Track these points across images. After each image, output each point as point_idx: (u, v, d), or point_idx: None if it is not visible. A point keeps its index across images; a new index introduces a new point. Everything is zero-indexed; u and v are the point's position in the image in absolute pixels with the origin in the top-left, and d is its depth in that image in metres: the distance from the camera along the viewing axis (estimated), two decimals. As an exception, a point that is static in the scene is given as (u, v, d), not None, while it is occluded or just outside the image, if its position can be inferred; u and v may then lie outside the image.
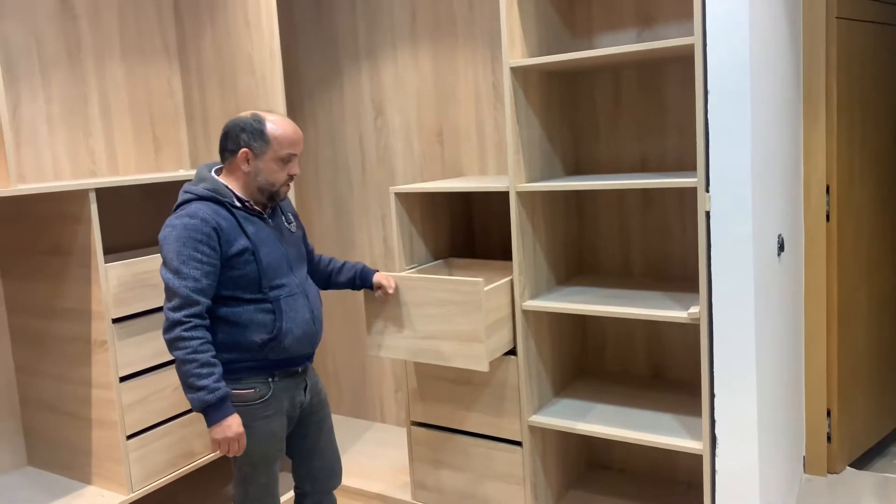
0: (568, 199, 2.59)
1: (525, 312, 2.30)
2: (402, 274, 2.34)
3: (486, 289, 2.14)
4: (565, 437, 2.57)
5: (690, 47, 1.93)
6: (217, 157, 2.77)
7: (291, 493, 2.22)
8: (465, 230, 2.89)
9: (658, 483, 2.62)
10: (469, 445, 2.45)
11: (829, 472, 2.81)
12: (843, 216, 2.72)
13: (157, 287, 2.23)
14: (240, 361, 1.83)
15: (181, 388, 1.76)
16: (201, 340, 1.72)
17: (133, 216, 2.75)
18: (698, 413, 2.24)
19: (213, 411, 1.74)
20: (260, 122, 1.84)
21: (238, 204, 1.86)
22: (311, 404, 2.03)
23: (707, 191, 1.93)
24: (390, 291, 2.22)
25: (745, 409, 1.94)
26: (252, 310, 1.84)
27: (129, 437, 2.17)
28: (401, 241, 2.51)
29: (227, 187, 1.86)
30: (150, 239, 2.81)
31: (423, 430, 2.55)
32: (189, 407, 2.34)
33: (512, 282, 2.28)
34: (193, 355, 1.70)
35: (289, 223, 2.00)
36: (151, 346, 2.23)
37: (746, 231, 1.88)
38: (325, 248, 3.40)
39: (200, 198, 1.82)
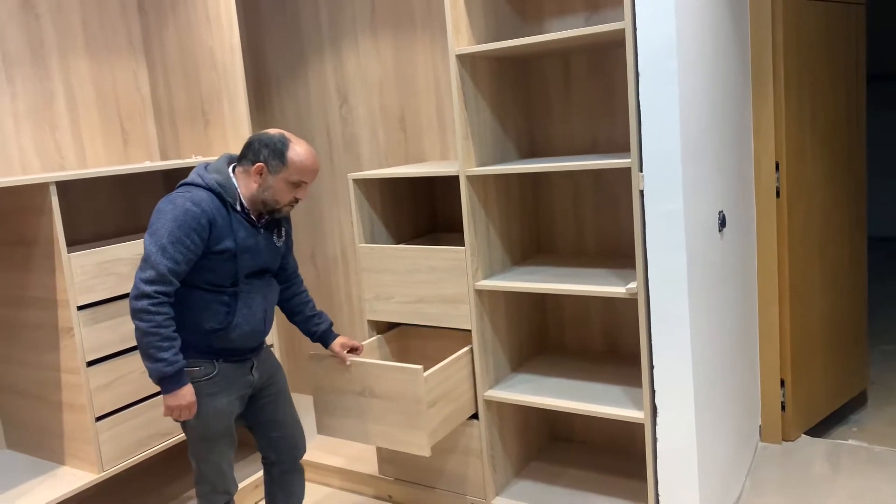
0: (523, 181, 2.67)
1: (479, 292, 2.39)
2: (389, 246, 2.48)
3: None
4: (524, 410, 2.66)
5: (622, 31, 2.00)
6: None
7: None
8: (429, 215, 2.97)
9: (618, 454, 2.72)
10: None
11: (784, 440, 2.90)
12: (794, 192, 2.80)
13: (121, 276, 2.32)
14: (187, 342, 1.92)
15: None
16: (165, 316, 1.81)
17: (104, 208, 2.83)
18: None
19: (169, 382, 1.85)
20: (284, 144, 1.93)
21: (238, 208, 1.94)
22: (262, 381, 2.12)
23: (640, 171, 2.01)
24: (346, 363, 2.28)
25: (682, 380, 2.03)
26: (210, 299, 1.93)
27: (98, 419, 2.27)
28: (360, 227, 2.60)
29: (236, 188, 1.94)
30: (121, 229, 2.90)
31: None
32: (158, 389, 2.45)
33: (466, 262, 2.36)
34: (157, 329, 1.80)
35: (278, 237, 2.06)
36: (118, 331, 2.32)
37: (677, 208, 1.96)
38: (297, 236, 3.48)
39: (209, 188, 1.90)
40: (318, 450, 2.93)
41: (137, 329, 1.82)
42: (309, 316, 2.24)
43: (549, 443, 2.85)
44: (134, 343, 2.36)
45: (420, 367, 2.16)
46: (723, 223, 2.33)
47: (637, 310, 2.56)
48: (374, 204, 2.66)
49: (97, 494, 2.78)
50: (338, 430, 2.34)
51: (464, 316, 2.40)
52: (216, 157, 2.13)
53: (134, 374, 2.38)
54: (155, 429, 2.44)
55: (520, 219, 2.65)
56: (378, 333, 2.62)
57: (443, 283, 2.42)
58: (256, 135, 1.96)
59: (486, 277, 2.43)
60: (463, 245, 2.35)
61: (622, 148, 2.55)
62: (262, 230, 1.99)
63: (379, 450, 2.72)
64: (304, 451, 2.28)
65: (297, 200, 1.98)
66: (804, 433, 2.96)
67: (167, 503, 2.71)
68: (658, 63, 1.92)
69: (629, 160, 2.03)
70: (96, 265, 2.26)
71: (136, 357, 2.37)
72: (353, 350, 2.30)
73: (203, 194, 1.88)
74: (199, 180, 1.91)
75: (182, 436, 2.53)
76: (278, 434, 2.18)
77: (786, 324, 2.83)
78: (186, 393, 1.88)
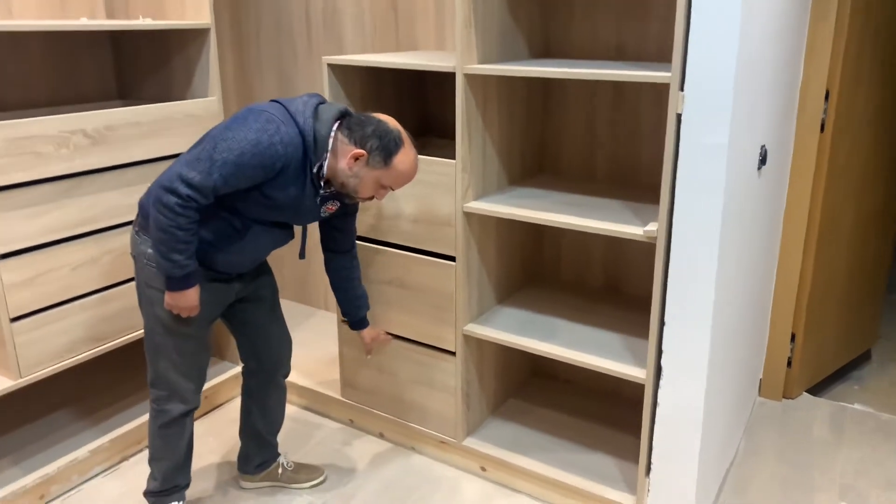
0: (531, 86, 2.26)
1: (467, 215, 2.04)
2: None
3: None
4: (506, 346, 2.38)
5: None
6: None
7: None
8: (419, 116, 2.56)
9: (603, 398, 2.48)
10: (402, 349, 2.26)
11: (784, 397, 2.68)
12: (840, 126, 2.42)
13: (42, 156, 1.94)
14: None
15: (82, 267, 1.58)
16: (189, 220, 1.61)
17: (35, 70, 2.40)
18: (647, 337, 2.04)
19: (175, 282, 1.67)
20: (396, 146, 1.70)
21: (315, 169, 1.68)
22: (248, 288, 1.91)
23: (681, 89, 1.62)
24: (367, 355, 2.28)
25: (697, 345, 1.73)
26: (224, 216, 1.70)
27: (13, 320, 1.95)
28: (336, 123, 2.20)
29: (327, 152, 1.68)
30: (57, 96, 2.47)
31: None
32: (94, 288, 2.13)
33: (455, 177, 2.00)
34: (176, 230, 1.60)
35: (330, 207, 1.81)
36: (40, 221, 1.97)
37: (721, 142, 1.59)
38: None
39: (304, 134, 1.64)
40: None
41: (156, 220, 1.61)
42: (351, 297, 2.06)
43: (530, 378, 2.60)
44: (59, 235, 2.02)
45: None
46: (763, 160, 1.97)
47: (652, 255, 2.24)
48: (353, 96, 2.25)
49: (18, 400, 2.52)
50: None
51: (448, 240, 2.06)
52: (330, 101, 1.83)
53: (63, 271, 2.04)
54: (85, 332, 2.13)
55: (523, 131, 2.26)
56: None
57: (427, 199, 2.07)
58: (377, 119, 1.71)
59: (477, 198, 2.07)
60: (454, 156, 1.98)
61: (652, 57, 2.13)
62: (320, 197, 1.74)
63: (343, 373, 2.45)
64: (289, 370, 2.09)
65: (372, 198, 1.77)
66: (806, 391, 2.73)
67: (101, 410, 2.45)
68: (725, -50, 1.49)
69: (668, 74, 1.63)
70: (10, 141, 1.86)
71: (64, 251, 2.03)
72: (378, 340, 2.23)
73: (295, 136, 1.63)
74: (301, 118, 1.65)
75: (119, 340, 2.24)
76: (262, 341, 1.99)
77: (807, 274, 2.53)
78: (191, 295, 1.70)
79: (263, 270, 1.95)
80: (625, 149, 2.25)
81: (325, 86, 2.16)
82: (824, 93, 2.35)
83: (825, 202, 2.47)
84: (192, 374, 1.84)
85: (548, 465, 2.12)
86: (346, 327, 2.36)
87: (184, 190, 1.57)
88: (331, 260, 1.98)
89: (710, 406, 1.83)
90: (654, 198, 2.08)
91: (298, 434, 2.44)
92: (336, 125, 1.68)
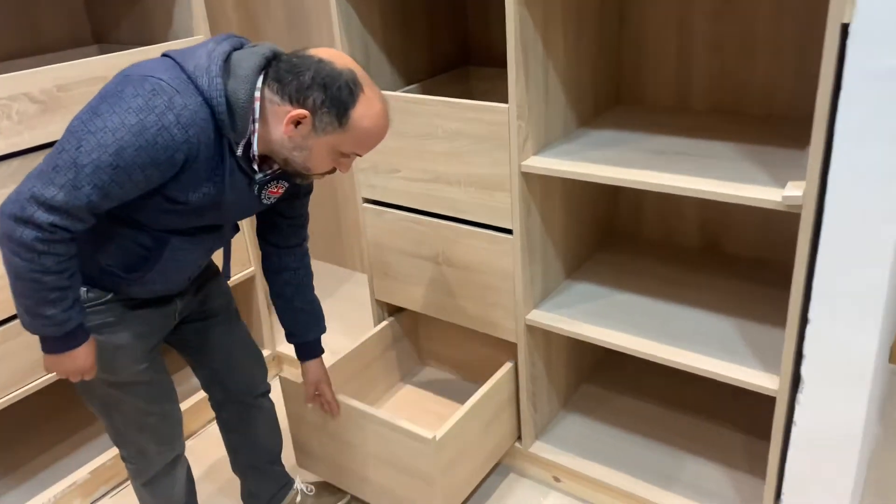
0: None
1: (526, 176, 1.55)
2: (398, 93, 1.61)
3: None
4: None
5: None
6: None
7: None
8: (457, 39, 2.03)
9: (694, 380, 2.01)
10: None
11: (921, 366, 2.17)
12: None
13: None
14: (80, 269, 1.21)
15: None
16: (59, 258, 1.10)
17: (-15, 16, 1.96)
18: (775, 322, 1.55)
19: (53, 343, 1.19)
20: (352, 94, 1.13)
21: (241, 151, 1.16)
22: (191, 303, 1.44)
23: (851, -14, 1.07)
24: (307, 404, 1.68)
25: (856, 352, 1.25)
26: (127, 235, 1.21)
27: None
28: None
29: (252, 122, 1.15)
30: (15, 47, 2.03)
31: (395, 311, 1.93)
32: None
33: (509, 127, 1.50)
34: (42, 275, 1.10)
35: (273, 193, 1.29)
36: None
37: (916, 63, 1.05)
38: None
39: (210, 102, 1.09)
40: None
41: (9, 264, 1.10)
42: (298, 309, 1.53)
43: (604, 356, 2.16)
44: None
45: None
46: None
47: (793, 222, 1.72)
48: (369, 22, 1.74)
49: None
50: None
51: (502, 209, 1.58)
52: (253, 44, 1.21)
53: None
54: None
55: (596, 53, 1.72)
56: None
57: (472, 156, 1.58)
58: (316, 59, 1.14)
59: (539, 151, 1.57)
60: (504, 94, 1.48)
61: (776, -62, 1.54)
62: (258, 184, 1.24)
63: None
64: (268, 387, 1.64)
65: (333, 171, 1.24)
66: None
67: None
68: None
69: (830, -37, 1.08)
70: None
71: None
72: (322, 398, 1.64)
73: (199, 108, 1.09)
74: (205, 79, 1.10)
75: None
76: (224, 365, 1.53)
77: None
78: (80, 355, 1.21)
79: (207, 276, 1.47)
80: (731, 69, 1.70)
81: (333, 13, 1.66)
82: None
83: None
84: (162, 427, 1.41)
85: (635, 478, 1.70)
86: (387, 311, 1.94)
87: (43, 217, 1.05)
88: (271, 257, 1.47)
89: (867, 427, 1.36)
90: (775, 136, 1.54)
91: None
92: (261, 79, 1.14)
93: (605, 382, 2.05)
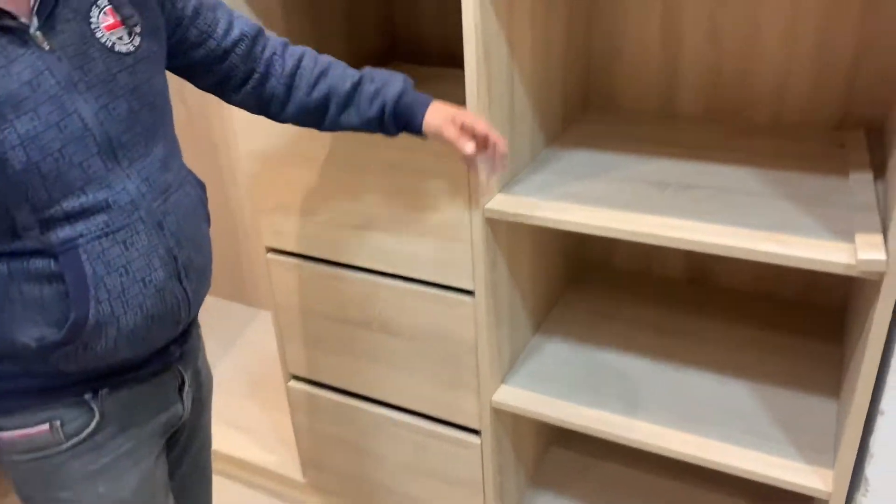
0: (573, -30, 1.31)
1: (491, 223, 1.16)
2: None
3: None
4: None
5: None
6: None
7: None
8: (378, 30, 1.60)
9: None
10: (390, 423, 1.44)
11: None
12: None
13: None
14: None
15: None
16: None
17: None
18: (803, 386, 1.24)
19: None
20: None
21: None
22: (190, 411, 1.03)
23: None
24: (466, 151, 0.96)
25: (948, 452, 0.95)
26: (3, 275, 0.79)
27: None
28: (240, 64, 1.25)
29: None
30: None
31: (310, 388, 1.51)
32: None
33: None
34: None
35: (109, 26, 0.81)
36: None
37: None
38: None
39: None
40: (225, 439, 1.78)
41: None
42: (349, 90, 1.00)
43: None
44: None
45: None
46: None
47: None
48: (268, 14, 1.29)
49: None
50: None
51: (460, 264, 1.19)
52: None
53: None
54: None
55: (564, 47, 1.34)
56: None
57: (419, 196, 1.17)
58: None
59: (505, 188, 1.18)
60: (446, 99, 1.08)
61: None
62: (39, 31, 0.75)
63: (301, 451, 1.62)
64: None
65: None
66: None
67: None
68: None
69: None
70: None
71: None
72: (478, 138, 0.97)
73: None
74: None
75: None
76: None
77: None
78: None
79: (201, 379, 1.05)
80: (731, 66, 1.36)
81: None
82: None
83: None
84: None
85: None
86: (298, 388, 1.51)
87: None
88: (265, 91, 1.00)
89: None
90: (797, 155, 1.22)
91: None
92: None
93: (579, 446, 1.71)
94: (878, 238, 0.92)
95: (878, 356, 0.95)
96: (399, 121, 1.00)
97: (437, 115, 0.97)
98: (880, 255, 0.88)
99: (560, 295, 1.56)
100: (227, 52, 0.96)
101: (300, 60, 1.01)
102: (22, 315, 0.80)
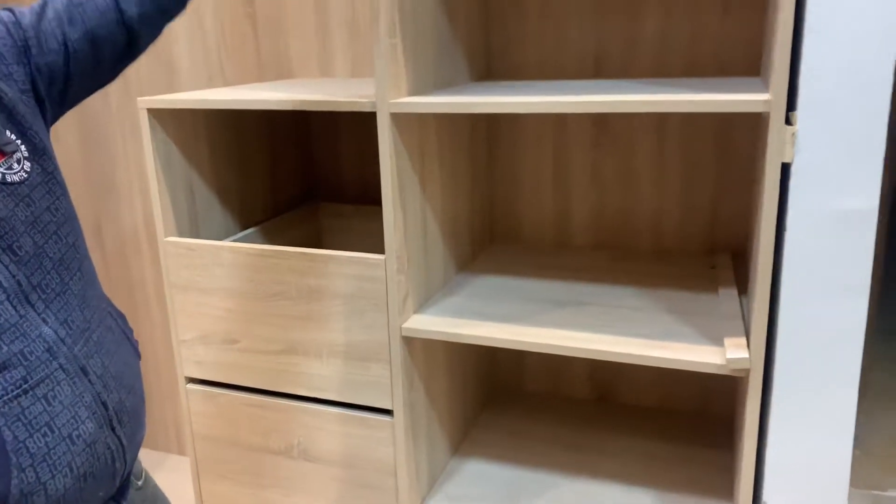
0: (475, 123, 1.51)
1: (407, 341, 1.24)
2: (233, 243, 1.22)
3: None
4: None
5: None
6: None
7: None
8: (299, 171, 1.74)
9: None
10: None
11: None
12: None
13: None
14: None
15: None
16: None
17: None
18: (699, 491, 1.33)
19: None
20: None
21: None
22: None
23: (788, 122, 0.93)
24: None
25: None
26: None
27: None
28: (168, 202, 1.34)
29: None
30: None
31: (228, 525, 1.47)
32: None
33: (386, 283, 1.20)
34: None
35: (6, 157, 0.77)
36: None
37: (868, 207, 0.92)
38: (75, 194, 2.11)
39: None
40: None
41: None
42: None
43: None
44: None
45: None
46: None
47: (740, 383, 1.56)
48: (195, 155, 1.40)
49: None
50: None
51: (379, 384, 1.25)
52: None
53: None
54: None
55: (469, 187, 1.50)
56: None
57: (338, 320, 1.25)
58: None
59: (420, 308, 1.28)
60: (362, 233, 1.19)
61: (648, 69, 1.45)
62: None
63: None
64: None
65: None
66: None
67: None
68: None
69: (764, 97, 0.94)
70: None
71: None
72: None
73: None
74: None
75: None
76: None
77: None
78: None
79: (130, 487, 0.93)
80: (614, 200, 1.55)
81: (145, 141, 1.30)
82: None
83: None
84: None
85: None
86: (204, 450, 1.47)
87: None
88: (122, 21, 0.92)
89: None
90: (675, 276, 1.39)
91: None
92: None
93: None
94: (743, 341, 1.06)
95: (754, 447, 1.06)
96: None
97: None
98: (744, 354, 1.02)
99: (476, 417, 1.62)
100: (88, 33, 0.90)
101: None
102: None
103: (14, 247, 0.74)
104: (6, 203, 0.75)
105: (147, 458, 2.28)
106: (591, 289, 1.35)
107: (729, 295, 1.26)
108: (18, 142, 0.79)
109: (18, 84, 0.82)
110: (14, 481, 0.71)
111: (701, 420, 1.56)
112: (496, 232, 1.66)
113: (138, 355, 0.95)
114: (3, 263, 0.73)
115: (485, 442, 1.54)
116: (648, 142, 1.49)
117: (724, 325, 1.14)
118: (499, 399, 1.70)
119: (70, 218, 0.84)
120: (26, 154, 0.79)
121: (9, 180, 0.75)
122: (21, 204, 0.76)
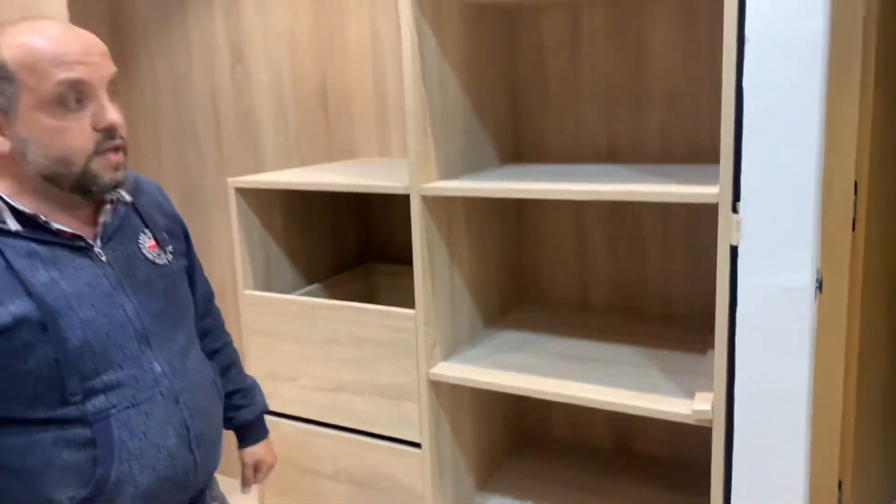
0: (504, 202, 1.76)
1: (435, 384, 1.48)
2: (298, 297, 1.52)
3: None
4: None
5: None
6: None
7: None
8: (360, 238, 2.03)
9: None
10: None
11: (837, 559, 2.13)
12: (872, 222, 2.00)
13: None
14: None
15: None
16: None
17: None
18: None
19: None
20: None
21: (13, 225, 0.94)
22: None
23: (735, 211, 1.13)
24: (245, 488, 1.40)
25: (785, 570, 1.19)
26: (49, 442, 0.95)
27: None
28: (248, 263, 1.64)
29: None
30: None
31: (285, 539, 1.72)
32: None
33: (416, 333, 1.44)
34: None
35: (151, 246, 1.09)
36: None
37: (803, 283, 1.10)
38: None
39: None
40: None
41: None
42: (231, 390, 1.30)
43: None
44: None
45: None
46: (819, 286, 1.49)
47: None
48: (270, 223, 1.71)
49: None
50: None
51: (409, 421, 1.49)
52: None
53: None
54: None
55: (498, 256, 1.74)
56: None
57: (375, 365, 1.50)
58: None
59: (447, 357, 1.52)
60: (408, 296, 1.44)
61: (655, 156, 1.67)
62: (96, 248, 1.01)
63: None
64: None
65: (110, 132, 0.96)
66: (861, 546, 2.20)
67: None
68: (790, 15, 1.04)
69: (713, 190, 1.15)
70: None
71: None
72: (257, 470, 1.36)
73: None
74: None
75: None
76: None
77: (850, 403, 2.04)
78: None
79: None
80: (626, 270, 1.75)
81: (232, 215, 1.62)
82: (853, 185, 1.93)
83: (863, 311, 2.01)
84: None
85: None
86: None
87: None
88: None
89: None
90: (675, 338, 1.57)
91: None
92: None
93: None
94: (711, 395, 1.24)
95: (720, 491, 1.22)
96: (238, 431, 1.32)
97: (254, 451, 1.33)
98: (707, 406, 1.20)
99: (502, 462, 1.82)
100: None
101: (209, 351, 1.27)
102: (60, 478, 0.95)
103: (146, 304, 1.04)
104: (149, 275, 1.06)
105: (224, 483, 2.57)
106: (599, 346, 1.55)
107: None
108: (170, 248, 1.13)
109: (180, 252, 1.16)
110: (114, 469, 0.96)
111: (703, 473, 1.70)
112: (525, 293, 1.88)
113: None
114: (137, 313, 1.02)
115: (509, 481, 1.73)
116: (654, 219, 1.69)
117: (702, 382, 1.32)
118: (527, 444, 1.90)
119: (187, 298, 1.15)
120: (171, 251, 1.12)
121: (155, 262, 1.08)
122: (159, 279, 1.07)
